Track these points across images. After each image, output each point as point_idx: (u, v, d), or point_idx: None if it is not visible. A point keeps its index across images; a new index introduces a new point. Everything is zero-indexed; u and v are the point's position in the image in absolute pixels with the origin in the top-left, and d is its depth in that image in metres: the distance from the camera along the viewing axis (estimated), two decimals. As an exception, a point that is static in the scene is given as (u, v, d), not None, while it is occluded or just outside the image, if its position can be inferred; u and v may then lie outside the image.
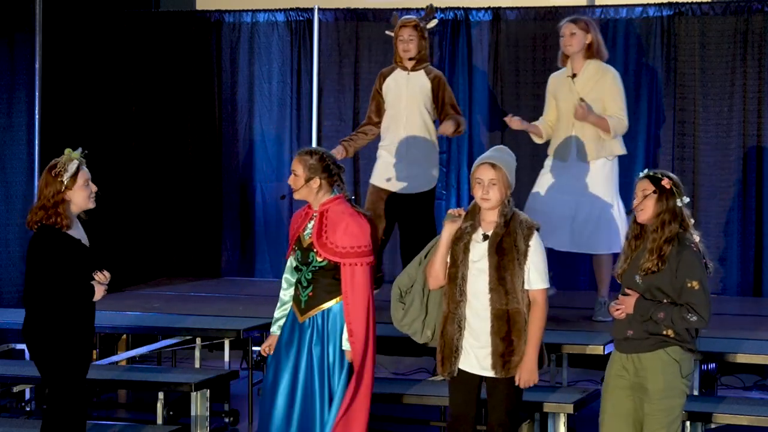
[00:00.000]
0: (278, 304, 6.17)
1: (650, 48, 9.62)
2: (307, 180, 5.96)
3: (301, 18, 10.32)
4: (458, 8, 9.98)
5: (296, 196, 6.03)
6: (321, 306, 5.99)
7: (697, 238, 5.52)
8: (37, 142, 9.00)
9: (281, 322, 6.13)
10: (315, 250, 5.93)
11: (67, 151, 5.69)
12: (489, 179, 5.68)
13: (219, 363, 8.64)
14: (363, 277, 5.93)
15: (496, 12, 9.92)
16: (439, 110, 8.21)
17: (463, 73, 9.96)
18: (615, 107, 7.82)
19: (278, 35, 10.38)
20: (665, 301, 5.46)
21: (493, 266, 5.66)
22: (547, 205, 7.86)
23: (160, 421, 7.27)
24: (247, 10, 10.44)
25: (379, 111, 8.33)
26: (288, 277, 6.13)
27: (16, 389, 7.76)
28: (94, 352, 8.69)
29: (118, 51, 10.49)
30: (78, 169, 5.66)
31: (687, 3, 9.54)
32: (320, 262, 5.95)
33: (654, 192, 5.50)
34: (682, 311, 5.42)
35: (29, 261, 5.65)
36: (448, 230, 5.76)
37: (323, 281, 5.97)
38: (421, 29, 8.21)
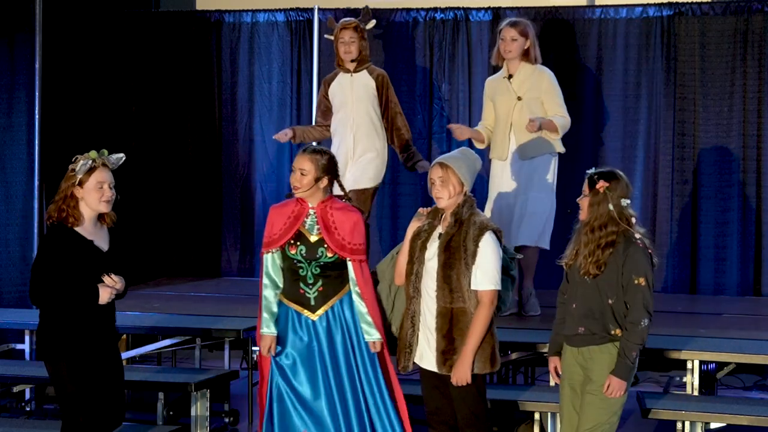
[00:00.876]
0: (264, 303, 6.05)
1: (650, 48, 9.62)
2: (317, 179, 5.96)
3: (301, 18, 10.32)
4: (458, 8, 9.98)
5: (300, 194, 6.00)
6: (333, 299, 6.00)
7: (642, 231, 5.61)
8: (37, 142, 8.99)
9: (272, 322, 6.04)
10: (326, 245, 5.94)
11: (92, 152, 5.69)
12: (438, 178, 5.78)
13: (219, 363, 8.64)
14: (369, 272, 6.04)
15: (496, 12, 9.91)
16: (383, 109, 8.30)
17: (463, 73, 9.96)
18: (555, 106, 7.99)
19: (278, 35, 10.38)
20: (609, 301, 5.53)
21: (441, 264, 5.73)
22: (497, 206, 8.05)
23: (160, 421, 7.27)
24: (247, 10, 10.45)
25: (326, 116, 8.45)
26: (272, 275, 6.04)
27: (16, 389, 7.76)
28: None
29: (118, 51, 10.48)
30: (91, 169, 5.65)
31: (687, 3, 9.54)
32: (330, 257, 5.95)
33: (588, 194, 5.58)
34: (632, 333, 5.50)
35: (36, 257, 5.67)
36: (412, 227, 5.92)
37: (332, 275, 5.98)
38: (361, 30, 8.32)
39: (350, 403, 5.97)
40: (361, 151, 8.26)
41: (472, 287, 5.70)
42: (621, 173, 5.65)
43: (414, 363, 5.91)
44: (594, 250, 5.54)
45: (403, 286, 5.95)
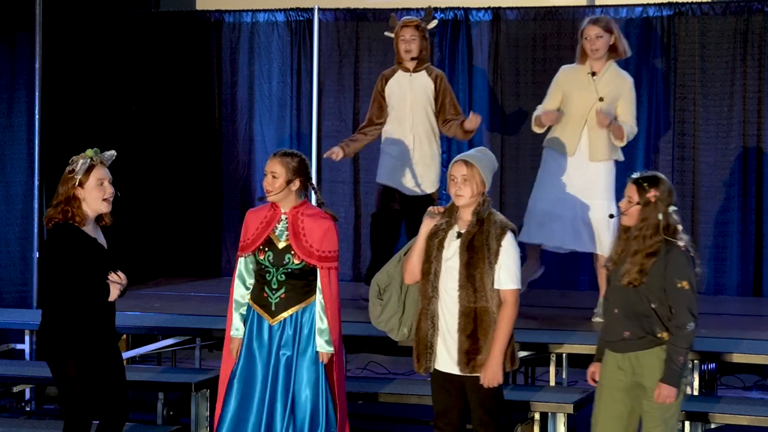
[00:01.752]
0: (234, 306, 6.08)
1: (650, 48, 9.62)
2: (288, 182, 5.94)
3: (301, 18, 10.32)
4: (458, 8, 9.98)
5: (273, 198, 5.97)
6: (294, 308, 5.99)
7: (686, 238, 5.53)
8: (37, 142, 8.99)
9: (242, 324, 6.08)
10: (293, 252, 5.93)
11: (88, 150, 5.70)
12: (461, 175, 5.72)
13: (219, 363, 8.62)
14: (336, 280, 6.01)
15: (496, 12, 9.92)
16: (439, 110, 8.21)
17: (463, 73, 9.96)
18: (628, 115, 7.85)
19: (278, 35, 10.38)
20: (653, 305, 5.48)
21: (463, 264, 5.69)
22: (550, 204, 7.87)
23: (160, 421, 7.27)
24: (247, 10, 10.45)
25: (381, 112, 8.29)
26: (244, 277, 6.08)
27: (16, 389, 7.76)
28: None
29: (118, 51, 10.49)
30: (90, 168, 5.66)
31: (687, 3, 9.55)
32: (297, 264, 5.94)
33: (638, 203, 5.52)
34: (678, 337, 5.44)
35: (45, 259, 5.66)
36: (426, 226, 5.83)
37: (297, 283, 5.97)
38: (422, 29, 8.20)
39: (277, 412, 5.96)
40: (419, 154, 8.16)
41: (495, 286, 5.68)
42: (664, 177, 5.58)
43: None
44: (641, 259, 5.46)
45: (415, 287, 5.88)
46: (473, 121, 8.06)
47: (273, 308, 5.99)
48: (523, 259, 6.47)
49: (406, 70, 8.22)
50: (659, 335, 5.48)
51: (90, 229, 5.69)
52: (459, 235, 5.74)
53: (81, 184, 5.64)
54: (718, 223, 9.49)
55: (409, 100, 8.18)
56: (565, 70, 8.03)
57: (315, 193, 6.19)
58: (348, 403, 6.22)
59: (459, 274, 5.69)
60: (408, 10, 9.96)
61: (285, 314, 5.99)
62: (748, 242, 9.45)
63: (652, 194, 5.49)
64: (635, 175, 5.59)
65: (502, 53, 9.94)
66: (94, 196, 5.66)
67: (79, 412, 5.64)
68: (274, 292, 5.99)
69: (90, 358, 5.65)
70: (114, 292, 5.67)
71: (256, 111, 10.44)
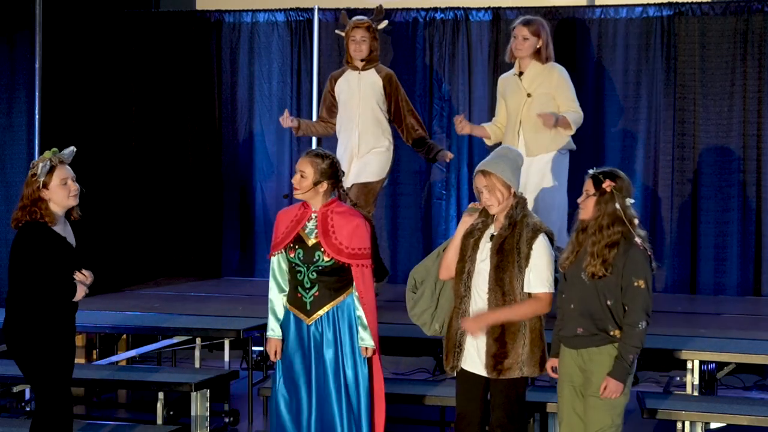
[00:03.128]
0: (270, 306, 6.07)
1: (650, 48, 9.61)
2: (316, 183, 5.95)
3: (301, 18, 10.32)
4: (458, 8, 9.98)
5: (300, 196, 6.00)
6: (329, 305, 5.97)
7: (643, 233, 5.59)
8: (37, 142, 8.99)
9: (277, 325, 6.05)
10: (322, 249, 5.92)
11: (47, 151, 5.74)
12: (483, 186, 5.72)
13: (219, 363, 8.64)
14: (371, 277, 5.99)
15: (496, 12, 9.91)
16: (392, 109, 8.33)
17: (463, 73, 9.96)
18: (567, 101, 7.94)
19: (278, 35, 10.38)
20: (608, 303, 5.52)
21: (493, 266, 5.67)
22: None
23: (160, 421, 7.27)
24: (247, 10, 10.45)
25: (330, 112, 8.49)
26: (278, 278, 6.06)
27: (16, 389, 7.75)
28: (94, 351, 8.71)
29: (118, 51, 10.48)
30: (52, 169, 5.69)
31: (687, 3, 9.54)
32: (327, 261, 5.93)
33: (594, 194, 5.55)
34: (629, 335, 5.49)
35: (12, 257, 5.67)
36: (464, 223, 5.83)
37: (329, 280, 5.95)
38: (373, 30, 8.32)
39: (334, 412, 5.93)
40: (365, 149, 8.29)
41: (525, 289, 5.67)
42: (622, 173, 5.64)
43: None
44: (601, 250, 5.51)
45: (450, 283, 5.88)
46: (443, 157, 8.38)
47: (308, 307, 5.97)
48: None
49: (355, 68, 8.35)
50: (611, 333, 5.56)
51: (59, 228, 5.73)
52: (492, 237, 5.73)
53: (45, 186, 5.69)
54: (718, 223, 9.48)
55: (357, 98, 8.33)
56: (501, 78, 8.26)
57: (345, 196, 6.21)
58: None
59: (489, 276, 5.68)
60: (408, 10, 9.98)
61: (321, 312, 5.97)
62: (748, 242, 9.44)
63: (607, 184, 5.54)
64: (592, 171, 5.64)
65: (502, 53, 9.90)
66: (60, 194, 5.71)
67: (53, 407, 5.68)
68: (307, 291, 5.98)
69: (55, 354, 5.69)
70: (80, 292, 5.72)
71: (256, 111, 10.43)
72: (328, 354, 5.96)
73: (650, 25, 9.62)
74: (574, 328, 5.64)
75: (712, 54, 9.50)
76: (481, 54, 9.95)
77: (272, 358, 6.05)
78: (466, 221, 5.83)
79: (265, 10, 10.41)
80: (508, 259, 5.65)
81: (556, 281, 5.82)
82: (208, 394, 7.30)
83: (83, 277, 5.73)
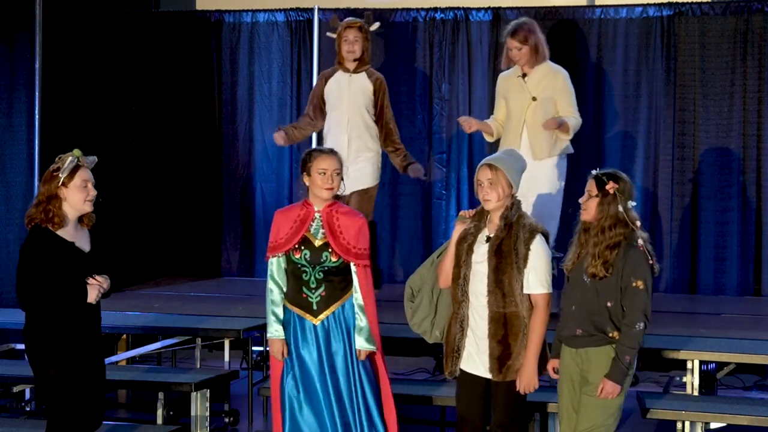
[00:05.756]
0: (270, 306, 6.02)
1: (650, 48, 9.62)
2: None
3: (301, 18, 10.32)
4: (458, 8, 9.98)
5: (332, 195, 6.00)
6: (335, 304, 5.98)
7: (645, 235, 5.60)
8: (37, 142, 8.99)
9: (280, 326, 6.03)
10: (330, 249, 5.93)
11: (75, 150, 5.68)
12: (487, 179, 5.71)
13: (219, 363, 8.65)
14: (371, 278, 6.02)
15: (496, 12, 9.92)
16: (377, 114, 8.33)
17: (463, 73, 9.96)
18: (568, 107, 7.95)
19: (278, 35, 10.38)
20: (608, 304, 5.53)
21: (492, 268, 5.68)
22: None
23: (160, 421, 7.27)
24: (247, 10, 10.45)
25: (317, 111, 8.49)
26: (278, 280, 6.03)
27: (16, 389, 7.76)
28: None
29: (118, 51, 10.48)
30: (76, 168, 5.64)
31: (687, 3, 9.54)
32: (334, 262, 5.94)
33: (597, 195, 5.55)
34: (627, 336, 5.50)
35: (20, 262, 5.63)
36: (457, 230, 5.83)
37: (335, 279, 5.96)
38: (365, 31, 8.34)
39: (347, 410, 5.94)
40: (355, 152, 8.29)
41: (525, 291, 5.67)
42: (624, 175, 5.65)
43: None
44: (603, 251, 5.52)
45: (448, 290, 5.88)
46: (416, 171, 8.41)
47: (315, 307, 5.97)
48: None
49: (346, 70, 8.36)
50: (610, 334, 5.57)
51: (69, 232, 5.63)
52: (488, 239, 5.73)
53: (65, 184, 5.61)
54: (718, 223, 9.48)
55: (346, 100, 8.33)
56: (501, 77, 8.22)
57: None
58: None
59: (488, 278, 5.68)
60: (408, 10, 9.98)
61: (327, 312, 5.97)
62: (748, 242, 9.45)
63: (611, 186, 5.55)
64: (595, 171, 5.64)
65: (502, 53, 9.90)
66: (78, 197, 5.62)
67: (61, 416, 5.63)
68: (313, 291, 5.97)
69: (72, 362, 5.61)
70: (92, 294, 5.61)
71: (256, 111, 10.44)
72: (339, 351, 5.96)
73: (650, 25, 9.62)
74: (573, 329, 5.65)
75: (712, 54, 9.50)
76: (481, 54, 9.95)
77: (278, 359, 6.02)
78: (458, 228, 5.84)
79: (265, 10, 10.41)
80: (507, 261, 5.66)
81: (554, 279, 5.84)
82: (208, 394, 7.30)
83: (96, 282, 5.64)
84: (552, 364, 5.84)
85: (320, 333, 5.97)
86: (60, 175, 5.60)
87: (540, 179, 7.90)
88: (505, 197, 5.72)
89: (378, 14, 10.09)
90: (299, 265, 5.96)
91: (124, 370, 7.88)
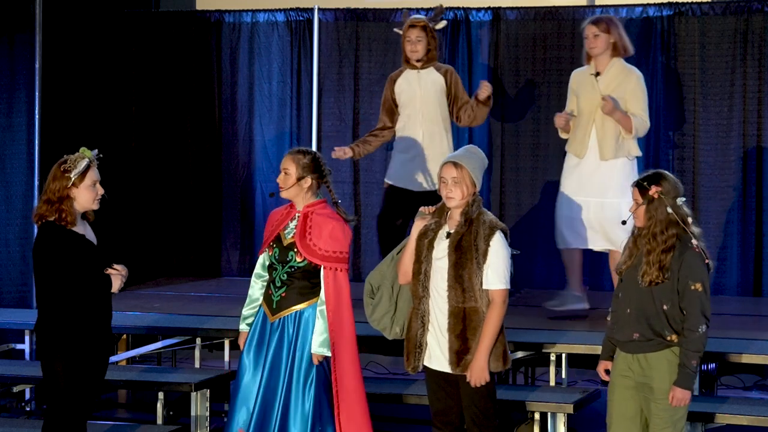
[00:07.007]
0: (247, 300, 6.19)
1: (650, 48, 9.61)
2: (299, 179, 5.99)
3: (301, 18, 10.32)
4: (458, 8, 9.98)
5: (284, 194, 6.06)
6: (292, 308, 6.02)
7: (697, 232, 5.52)
8: (37, 142, 8.99)
9: (250, 320, 6.16)
10: (296, 249, 5.96)
11: (83, 149, 5.68)
12: (452, 177, 5.73)
13: (219, 363, 8.64)
14: (345, 282, 6.02)
15: (496, 12, 9.92)
16: (451, 104, 8.17)
17: (463, 73, 9.94)
18: (638, 108, 7.83)
19: (278, 35, 10.38)
20: (664, 307, 5.47)
21: (452, 264, 5.70)
22: (570, 209, 7.91)
23: (160, 421, 7.27)
24: (247, 10, 10.45)
25: (392, 116, 8.26)
26: (260, 273, 6.18)
27: (16, 389, 7.76)
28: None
29: (118, 51, 10.49)
30: (87, 168, 5.65)
31: (687, 3, 9.55)
32: (299, 262, 5.98)
33: (643, 202, 5.51)
34: (690, 340, 5.46)
35: (35, 260, 5.63)
36: (417, 227, 5.85)
37: (298, 283, 6.00)
38: (430, 30, 8.17)
39: (275, 409, 5.99)
40: (431, 150, 8.08)
41: (484, 286, 5.68)
42: (667, 172, 5.59)
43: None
44: (657, 257, 5.44)
45: (408, 286, 5.90)
46: (484, 89, 8.05)
47: (274, 306, 6.04)
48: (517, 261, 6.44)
49: (413, 68, 8.18)
50: (668, 338, 5.49)
51: (78, 227, 5.67)
52: (448, 235, 5.75)
53: (75, 184, 5.61)
54: (718, 223, 9.48)
55: (419, 96, 8.14)
56: (574, 73, 8.12)
57: (330, 192, 6.17)
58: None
59: (448, 274, 5.70)
60: (408, 10, 9.96)
61: (283, 313, 6.02)
62: (748, 242, 9.45)
63: (653, 190, 5.50)
64: (637, 179, 5.60)
65: (502, 53, 9.93)
66: (88, 197, 5.64)
67: (62, 411, 5.64)
68: (276, 289, 6.04)
69: (80, 359, 5.63)
70: (116, 283, 5.66)
71: (256, 111, 10.44)
72: (283, 355, 5.99)
73: (650, 25, 9.62)
74: (630, 333, 5.55)
75: (712, 54, 9.50)
76: (480, 54, 9.95)
77: (241, 348, 6.13)
78: (419, 224, 5.85)
79: (265, 10, 10.41)
80: (467, 256, 5.68)
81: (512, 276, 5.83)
82: (208, 394, 7.31)
83: (116, 271, 5.68)
84: (603, 365, 5.76)
85: (274, 331, 6.03)
86: (72, 176, 5.61)
87: (610, 181, 7.81)
88: (468, 195, 5.74)
89: (378, 14, 10.13)
90: (271, 263, 6.06)
91: (124, 370, 7.88)
